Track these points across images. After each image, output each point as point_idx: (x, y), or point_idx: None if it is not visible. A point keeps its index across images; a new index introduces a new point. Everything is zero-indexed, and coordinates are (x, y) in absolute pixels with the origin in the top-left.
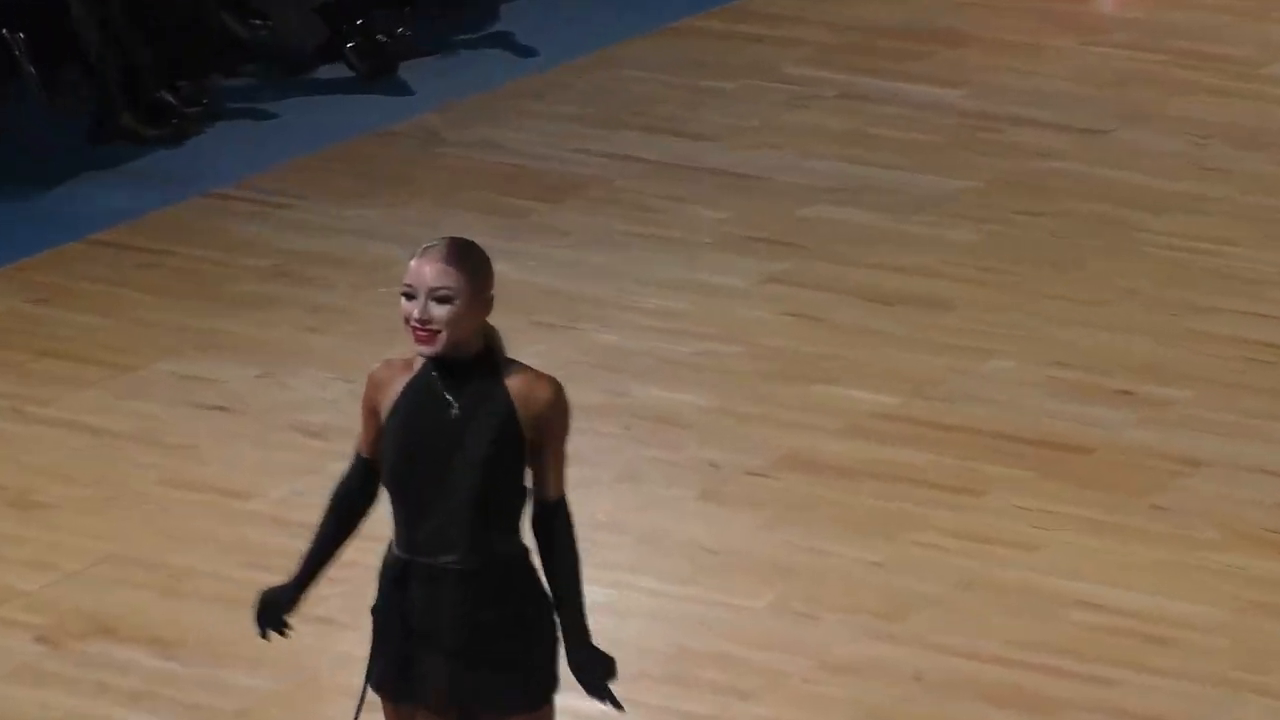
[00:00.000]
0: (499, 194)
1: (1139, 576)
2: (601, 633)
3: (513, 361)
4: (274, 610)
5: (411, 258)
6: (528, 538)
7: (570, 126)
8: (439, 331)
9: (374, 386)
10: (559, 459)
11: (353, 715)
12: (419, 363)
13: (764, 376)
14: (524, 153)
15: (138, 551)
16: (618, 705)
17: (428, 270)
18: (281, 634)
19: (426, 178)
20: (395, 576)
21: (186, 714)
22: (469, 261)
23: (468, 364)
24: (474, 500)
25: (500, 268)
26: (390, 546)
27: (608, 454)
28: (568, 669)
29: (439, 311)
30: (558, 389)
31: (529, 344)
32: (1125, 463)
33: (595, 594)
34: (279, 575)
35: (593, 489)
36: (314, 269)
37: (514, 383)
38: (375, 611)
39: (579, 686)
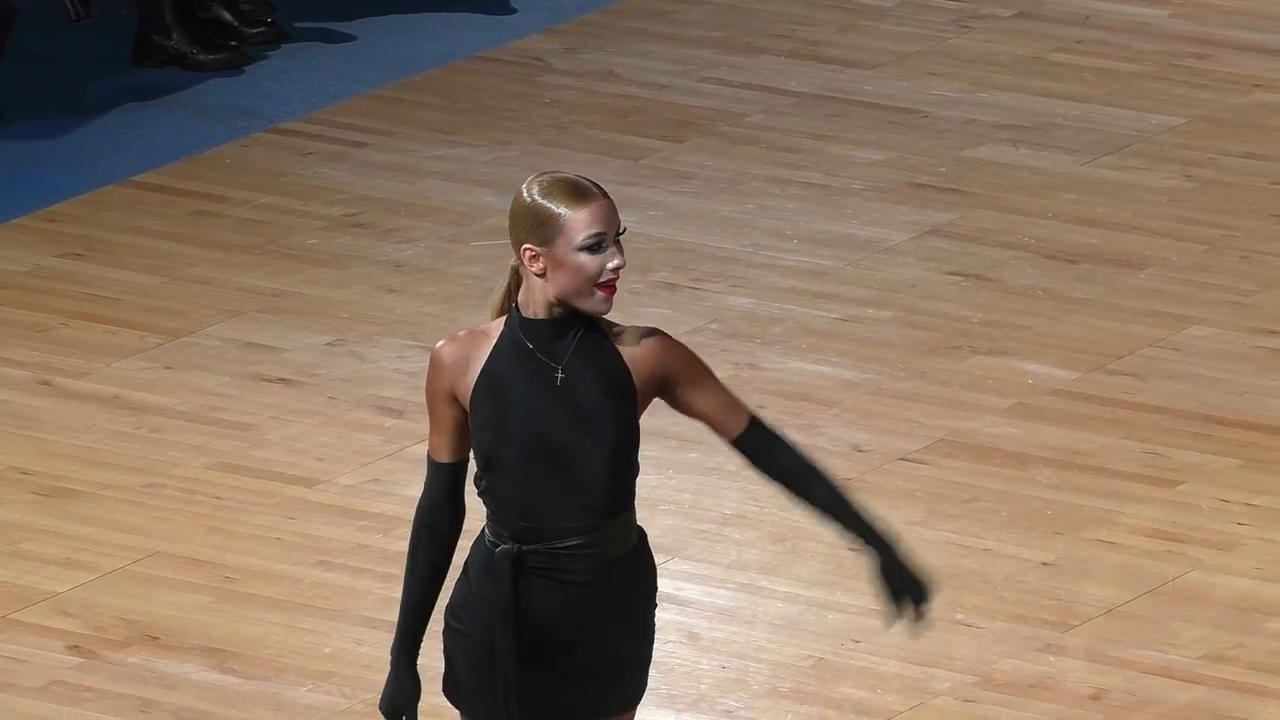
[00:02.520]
0: (615, 131)
1: None
2: (728, 643)
3: (608, 320)
4: (406, 713)
5: (565, 205)
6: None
7: (699, 52)
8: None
9: (444, 369)
10: (719, 390)
11: None
12: (496, 328)
13: (921, 346)
14: (644, 83)
15: (187, 548)
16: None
17: (610, 208)
18: None
19: (530, 112)
20: (499, 572)
21: None
22: None
23: (560, 323)
24: (600, 472)
25: None
26: (483, 537)
27: None
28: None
29: (623, 252)
30: (664, 336)
31: (646, 307)
32: None
33: (720, 598)
34: (348, 575)
35: (718, 478)
36: (396, 219)
37: (618, 340)
38: (456, 615)
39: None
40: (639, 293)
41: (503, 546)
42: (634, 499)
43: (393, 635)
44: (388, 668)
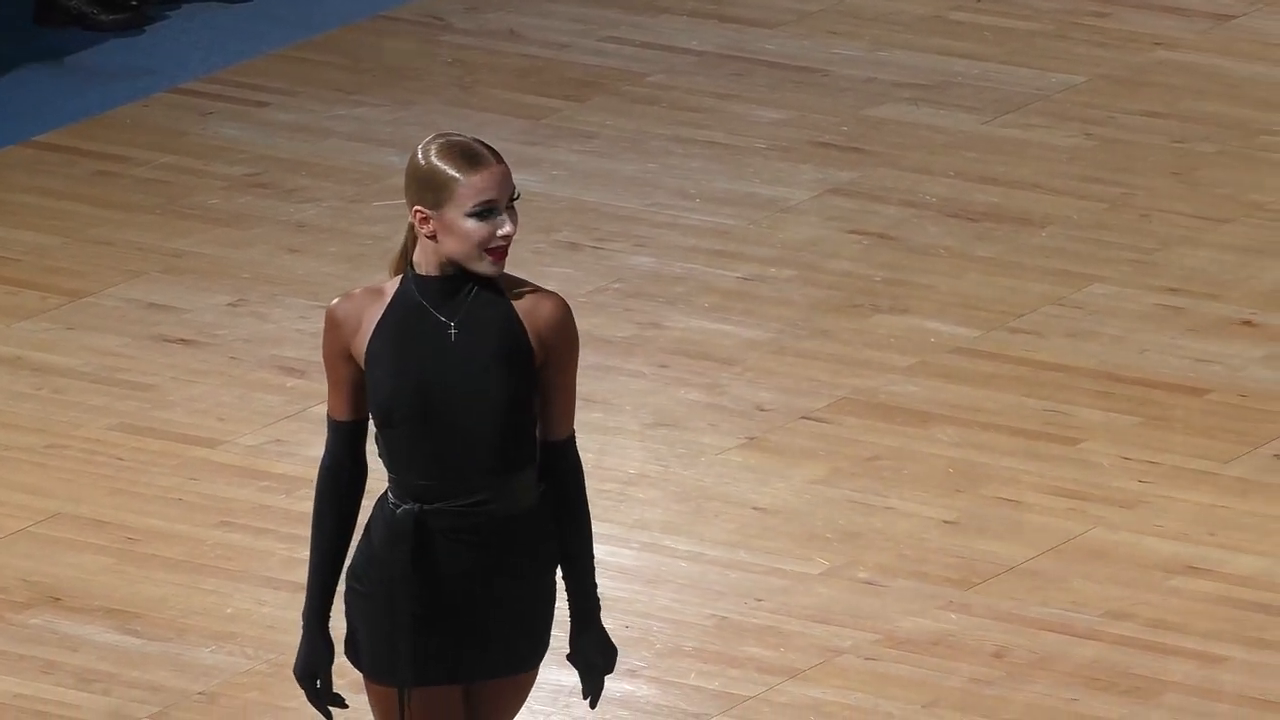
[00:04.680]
0: (517, 91)
1: (1257, 539)
2: (632, 602)
3: (508, 276)
4: (324, 675)
5: (457, 170)
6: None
7: (600, 11)
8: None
9: (339, 327)
10: (568, 392)
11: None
12: (391, 286)
13: (823, 305)
14: (546, 42)
15: (89, 509)
16: (594, 703)
17: (502, 175)
18: (343, 707)
19: (432, 71)
20: (402, 532)
21: (146, 697)
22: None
23: (454, 280)
24: (493, 430)
25: (519, 177)
26: (386, 499)
27: (639, 396)
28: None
29: (515, 218)
30: (566, 307)
31: (549, 267)
32: (1245, 406)
33: (625, 559)
34: (251, 535)
35: (621, 437)
36: (297, 179)
37: (515, 296)
38: (358, 577)
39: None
40: (542, 252)
41: (404, 506)
42: (533, 458)
43: (300, 597)
44: (291, 628)
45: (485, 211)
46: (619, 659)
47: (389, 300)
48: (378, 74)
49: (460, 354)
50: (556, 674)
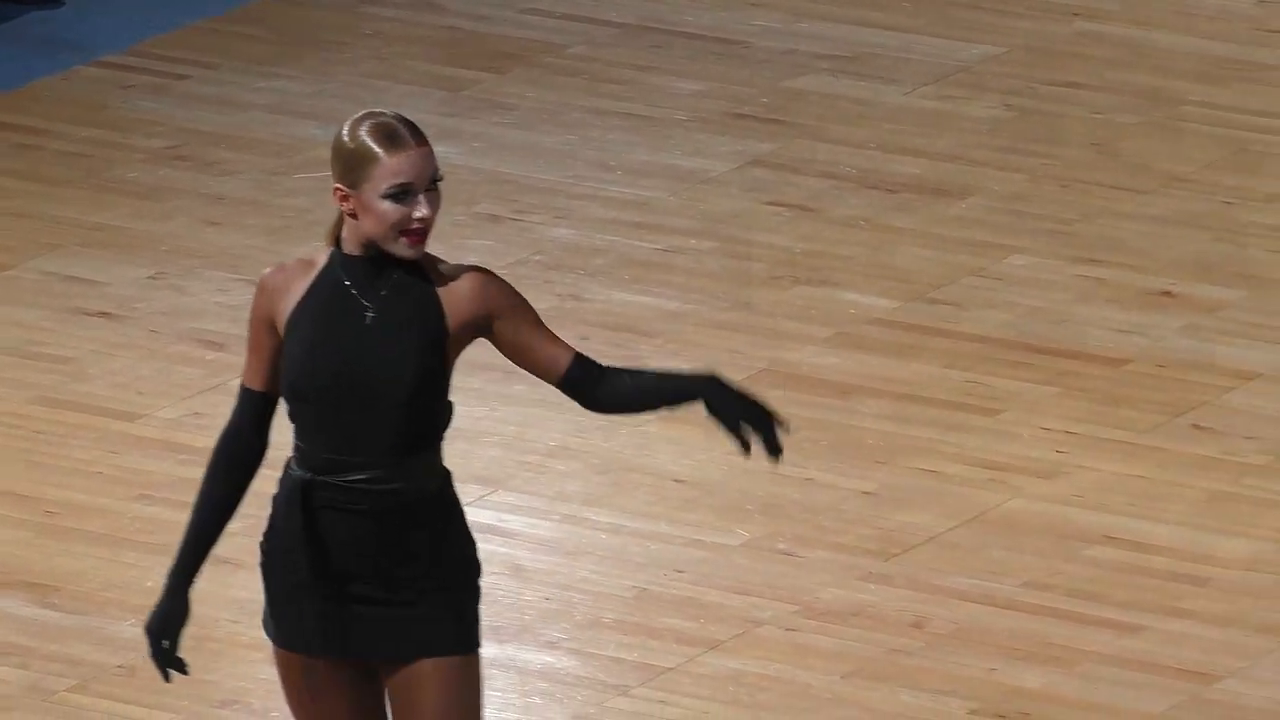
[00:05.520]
0: (437, 63)
1: (1175, 508)
2: (552, 574)
3: (433, 258)
4: (173, 633)
5: (375, 150)
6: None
7: None
8: (431, 227)
9: (267, 295)
10: (540, 337)
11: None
12: (321, 259)
13: (743, 277)
14: (466, 14)
15: (7, 483)
16: (772, 444)
17: (422, 159)
18: (184, 672)
19: (352, 43)
20: (293, 499)
21: (65, 670)
22: (425, 133)
23: (377, 260)
24: (393, 412)
25: (439, 149)
26: (289, 465)
27: None
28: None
29: (435, 201)
30: (485, 274)
31: (469, 239)
32: (1164, 376)
33: (545, 531)
34: (170, 509)
35: (543, 409)
36: (217, 151)
37: (437, 279)
38: (267, 546)
39: (523, 637)
40: (462, 225)
41: (298, 473)
42: (437, 442)
43: (220, 570)
44: (211, 601)
45: (400, 194)
46: (540, 631)
47: (315, 275)
48: (298, 46)
49: (374, 337)
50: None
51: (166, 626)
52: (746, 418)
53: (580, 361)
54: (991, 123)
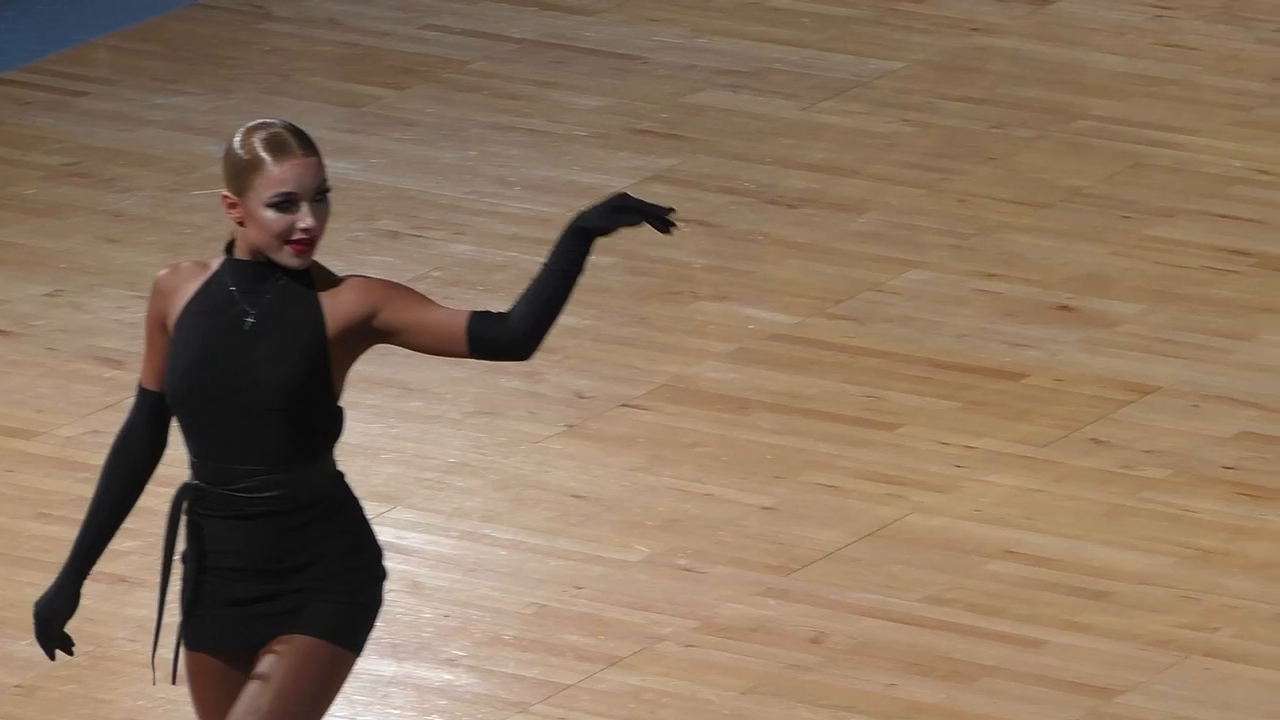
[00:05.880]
0: (337, 79)
1: (1074, 522)
2: (452, 591)
3: (322, 269)
4: (58, 623)
5: (260, 158)
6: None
7: None
8: (318, 238)
9: (160, 296)
10: (430, 314)
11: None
12: (215, 264)
13: (641, 292)
14: (366, 30)
15: None
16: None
17: (307, 169)
18: (69, 653)
19: (251, 60)
20: (178, 504)
21: None
22: (317, 144)
23: (264, 268)
24: (272, 418)
25: (339, 165)
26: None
27: (459, 385)
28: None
29: (322, 212)
30: (361, 279)
31: (369, 255)
32: (1062, 390)
33: (444, 548)
34: (69, 527)
35: (441, 426)
36: (116, 168)
37: (321, 286)
38: (183, 556)
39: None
40: (361, 241)
41: (186, 482)
42: (325, 449)
43: (118, 589)
44: (109, 620)
45: (284, 203)
46: (439, 648)
47: (206, 278)
48: (196, 62)
49: (252, 342)
50: (376, 664)
51: (52, 618)
52: (624, 209)
53: (476, 315)
54: (890, 138)
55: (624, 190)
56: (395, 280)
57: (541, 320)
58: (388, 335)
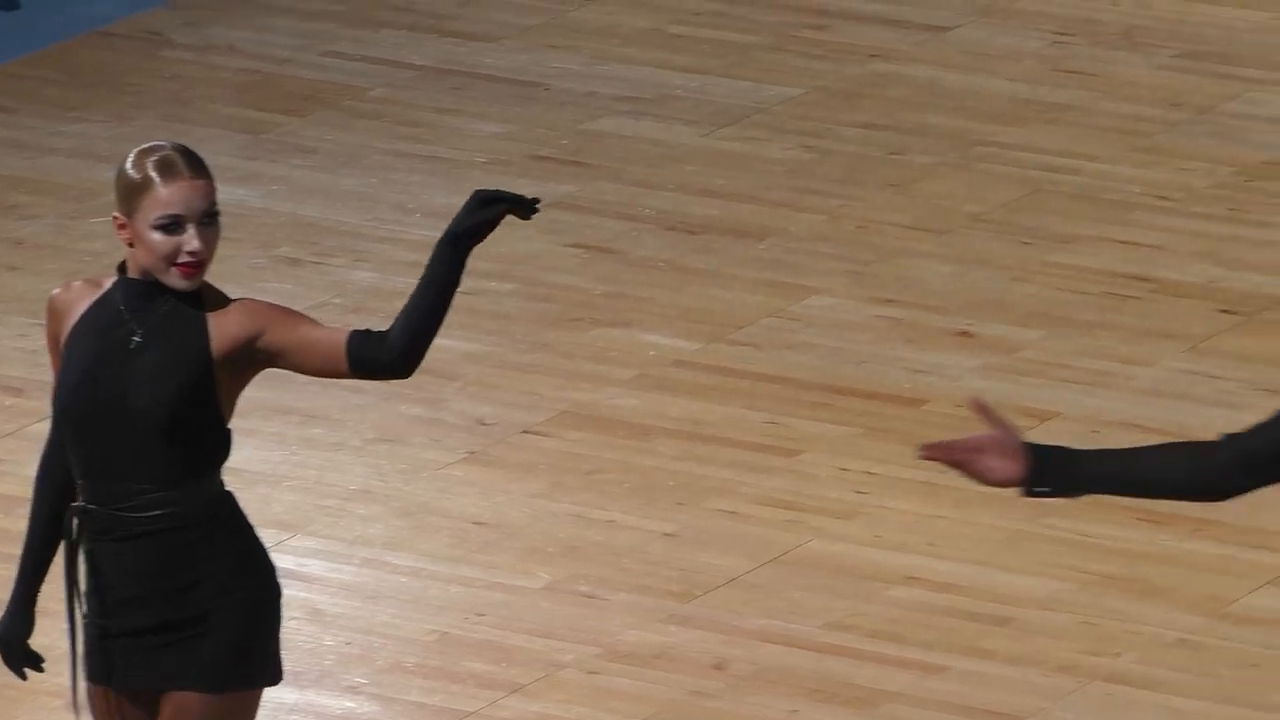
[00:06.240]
0: (237, 106)
1: (974, 548)
2: (353, 619)
3: (215, 291)
4: (17, 645)
5: (148, 180)
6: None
7: (321, 26)
8: (206, 261)
9: (53, 315)
10: (315, 326)
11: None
12: (108, 282)
13: (543, 319)
14: (266, 57)
15: None
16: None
17: (194, 191)
18: (39, 669)
19: (152, 87)
20: (66, 527)
21: None
22: (209, 168)
23: (154, 288)
24: (155, 438)
25: (238, 192)
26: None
27: (359, 411)
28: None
29: (210, 235)
30: (246, 301)
31: (269, 282)
32: (963, 416)
33: (346, 575)
34: None
35: (342, 453)
36: (15, 195)
37: (210, 308)
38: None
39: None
40: (261, 268)
41: (73, 504)
42: (210, 471)
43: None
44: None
45: (171, 224)
46: (340, 676)
47: (97, 297)
48: (97, 90)
49: (136, 363)
50: (278, 693)
51: (11, 640)
52: (486, 203)
53: (356, 334)
54: (790, 164)
55: (479, 187)
56: (285, 305)
57: (420, 336)
58: (272, 357)
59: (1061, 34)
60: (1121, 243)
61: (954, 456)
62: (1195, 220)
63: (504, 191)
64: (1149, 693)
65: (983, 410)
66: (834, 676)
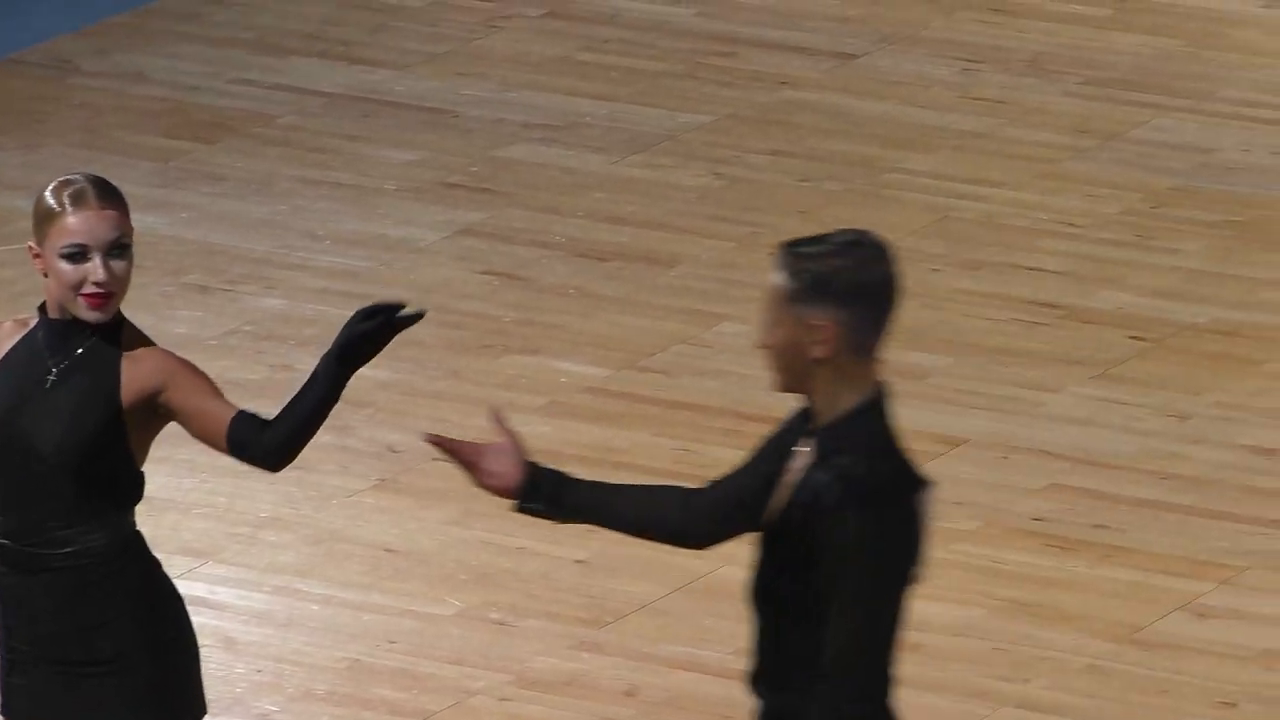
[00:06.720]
0: (145, 133)
1: None
2: (265, 646)
3: (135, 331)
4: None
5: (57, 208)
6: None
7: (229, 53)
8: (115, 293)
9: None
10: (211, 398)
11: None
12: (34, 321)
13: (453, 346)
14: (175, 84)
15: None
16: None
17: (101, 221)
18: None
19: (60, 115)
20: None
21: None
22: (123, 200)
23: (73, 325)
24: (64, 477)
25: (147, 220)
26: None
27: None
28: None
29: (119, 267)
30: (159, 351)
31: (178, 310)
32: None
33: (257, 603)
34: None
35: (253, 480)
36: None
37: (127, 353)
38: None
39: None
40: (170, 295)
41: None
42: (120, 513)
43: None
44: None
45: (76, 254)
46: (252, 704)
47: (22, 335)
48: (5, 117)
49: (49, 402)
50: None
51: None
52: (372, 322)
53: (241, 418)
54: (700, 191)
55: (359, 308)
56: (189, 362)
57: (295, 439)
58: (170, 414)
59: (970, 61)
60: (1030, 269)
61: (460, 455)
62: (1103, 247)
63: (382, 304)
64: (1059, 718)
65: (497, 421)
66: (744, 703)
